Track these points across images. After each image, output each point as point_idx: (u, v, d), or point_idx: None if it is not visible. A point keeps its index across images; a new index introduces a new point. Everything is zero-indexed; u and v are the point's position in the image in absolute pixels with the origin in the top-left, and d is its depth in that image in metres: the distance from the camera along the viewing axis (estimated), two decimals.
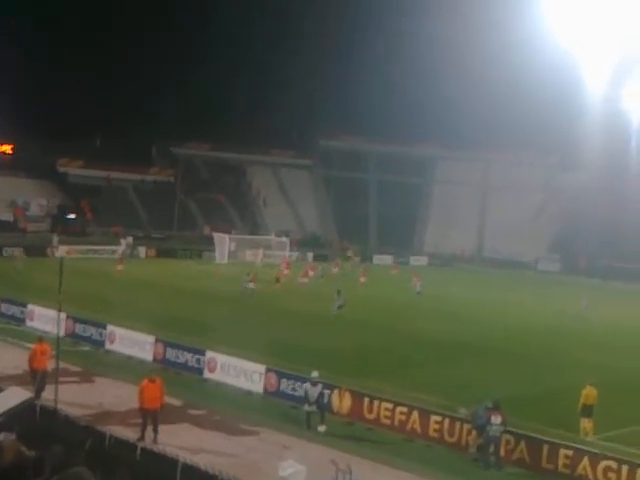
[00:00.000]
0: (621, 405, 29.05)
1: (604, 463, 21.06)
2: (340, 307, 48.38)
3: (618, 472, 20.70)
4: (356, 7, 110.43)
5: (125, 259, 68.98)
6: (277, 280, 60.70)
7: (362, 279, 66.42)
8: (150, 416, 22.84)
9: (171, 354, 31.60)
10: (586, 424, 25.30)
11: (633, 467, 20.63)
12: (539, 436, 22.88)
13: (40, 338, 27.69)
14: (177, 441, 22.04)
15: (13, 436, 10.29)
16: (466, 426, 23.46)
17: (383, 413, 25.17)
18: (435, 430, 24.08)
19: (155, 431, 22.57)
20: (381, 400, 25.47)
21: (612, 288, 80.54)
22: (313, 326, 43.87)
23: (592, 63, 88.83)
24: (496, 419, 22.42)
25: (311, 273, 67.33)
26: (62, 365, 24.90)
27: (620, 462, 20.94)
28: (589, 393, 25.69)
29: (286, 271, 66.82)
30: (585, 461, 21.30)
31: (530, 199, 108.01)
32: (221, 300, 51.73)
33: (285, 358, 31.84)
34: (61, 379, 23.77)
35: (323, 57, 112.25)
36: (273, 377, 28.10)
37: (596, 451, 21.91)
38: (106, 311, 39.91)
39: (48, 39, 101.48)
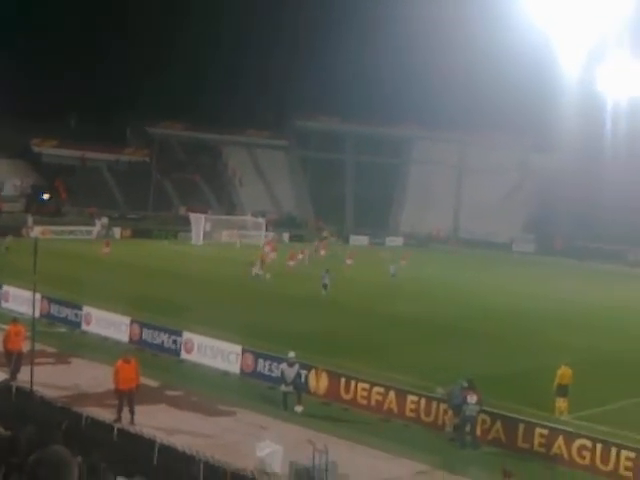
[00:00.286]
0: (596, 385, 29.30)
1: (579, 442, 21.25)
2: (325, 286, 48.59)
3: (592, 451, 20.91)
4: None
5: (111, 241, 68.04)
6: (262, 262, 59.88)
7: (349, 261, 66.44)
8: (126, 397, 22.79)
9: (147, 335, 31.53)
10: (561, 403, 25.50)
11: (607, 445, 20.83)
12: (515, 415, 23.04)
13: (14, 319, 27.54)
14: (154, 422, 22.01)
15: None
16: (442, 406, 23.59)
17: (360, 393, 25.25)
18: (412, 410, 24.19)
19: (132, 412, 22.53)
20: (358, 380, 25.54)
21: (588, 269, 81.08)
22: (291, 307, 43.89)
23: (567, 44, 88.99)
24: (472, 398, 22.54)
25: (300, 256, 66.55)
26: (38, 346, 24.78)
27: (594, 441, 21.14)
28: (564, 373, 25.89)
29: (272, 254, 65.95)
30: (560, 440, 21.49)
31: (505, 180, 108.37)
32: (199, 281, 51.63)
33: (262, 339, 31.86)
34: (37, 360, 23.66)
35: (299, 37, 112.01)
36: (250, 358, 28.11)
37: (571, 430, 22.12)
38: (82, 292, 39.71)
39: (21, 22, 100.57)
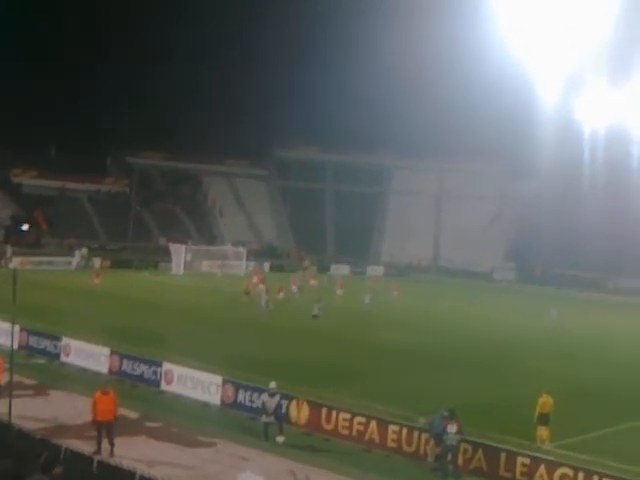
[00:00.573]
0: (577, 413, 29.32)
1: (560, 470, 21.20)
2: (315, 317, 48.70)
3: (574, 479, 20.85)
4: (312, 18, 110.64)
5: (102, 272, 67.33)
6: (246, 292, 59.00)
7: (339, 291, 66.37)
8: (104, 428, 22.57)
9: (127, 366, 31.28)
10: (542, 432, 25.47)
11: (589, 474, 20.78)
12: (496, 444, 22.98)
13: None
14: (134, 454, 21.79)
15: None
16: (424, 435, 23.50)
17: (341, 423, 25.12)
18: (393, 440, 24.08)
19: (111, 444, 22.32)
20: (339, 410, 25.42)
21: (566, 297, 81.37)
22: (274, 337, 43.76)
23: (545, 73, 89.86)
24: (452, 428, 22.48)
25: (294, 287, 65.95)
26: (16, 378, 24.60)
27: (576, 469, 21.09)
28: (545, 401, 25.88)
29: (261, 286, 65.14)
30: (542, 469, 21.43)
31: (484, 208, 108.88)
32: (180, 311, 51.44)
33: (243, 369, 31.71)
34: (15, 392, 23.46)
35: (278, 67, 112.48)
36: (230, 389, 27.94)
37: (553, 459, 22.07)
38: (61, 323, 39.44)
39: (2, 52, 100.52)
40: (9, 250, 76.59)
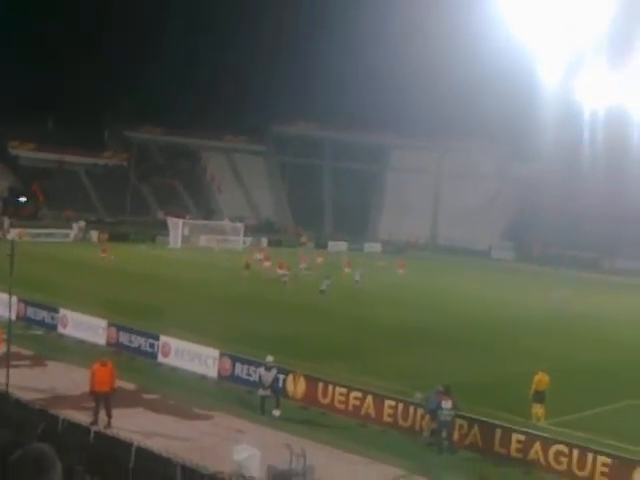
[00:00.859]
0: (572, 392, 29.40)
1: (555, 447, 21.32)
2: (322, 292, 48.86)
3: (569, 456, 20.97)
4: None
5: (108, 246, 66.00)
6: (246, 266, 58.38)
7: (347, 269, 65.95)
8: (102, 399, 22.67)
9: (124, 338, 31.39)
10: (538, 410, 25.58)
11: (583, 451, 20.91)
12: (492, 421, 23.09)
13: None
14: (131, 425, 21.89)
15: None
16: (420, 411, 23.60)
17: (337, 398, 25.23)
18: (389, 415, 24.19)
19: (108, 415, 22.41)
20: (335, 385, 25.52)
21: (565, 276, 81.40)
22: (271, 312, 43.82)
23: (545, 53, 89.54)
24: (447, 403, 22.59)
25: (303, 265, 64.79)
26: (14, 349, 24.64)
27: (571, 446, 21.21)
28: (541, 379, 25.97)
29: (267, 262, 64.75)
30: (537, 445, 21.55)
31: (483, 187, 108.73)
32: (178, 285, 51.50)
33: (240, 343, 31.81)
34: (13, 363, 23.53)
35: (278, 43, 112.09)
36: (227, 362, 28.03)
37: (548, 436, 22.19)
38: (59, 295, 39.48)
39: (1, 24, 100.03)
40: (6, 222, 76.56)
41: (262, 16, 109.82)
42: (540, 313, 51.44)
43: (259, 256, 66.87)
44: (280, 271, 55.89)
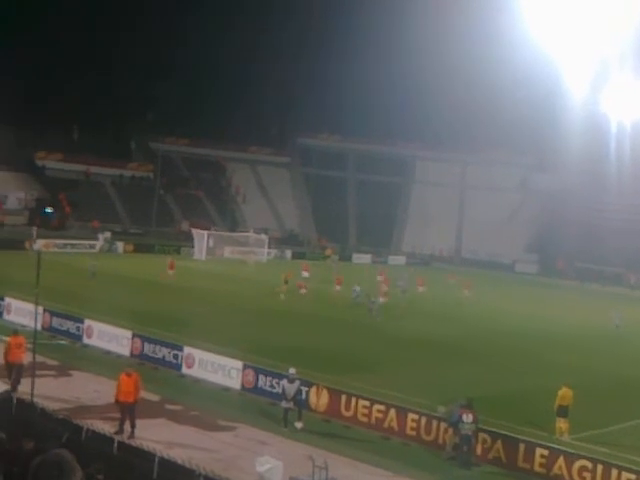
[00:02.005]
0: (596, 407, 29.23)
1: (579, 463, 21.20)
2: (370, 310, 48.69)
3: (593, 472, 20.85)
4: (337, 7, 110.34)
5: (175, 261, 63.28)
6: (285, 282, 55.58)
7: (379, 277, 66.19)
8: (126, 410, 22.80)
9: (149, 349, 31.51)
10: (562, 424, 25.45)
11: (608, 467, 20.78)
12: (515, 435, 22.99)
13: (15, 331, 27.50)
14: (154, 436, 21.97)
15: None
16: (443, 424, 23.55)
17: (360, 411, 25.21)
18: (412, 428, 24.14)
19: (132, 426, 22.52)
20: (358, 398, 25.51)
21: (589, 290, 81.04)
22: (297, 324, 43.86)
23: (571, 65, 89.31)
24: (467, 417, 22.52)
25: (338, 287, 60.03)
26: (39, 359, 24.83)
27: (595, 462, 21.09)
28: (565, 394, 25.84)
29: (306, 273, 64.16)
30: (561, 461, 21.44)
31: (507, 200, 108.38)
32: (203, 296, 51.65)
33: (264, 355, 31.84)
34: (38, 372, 23.70)
35: (303, 55, 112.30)
36: (251, 373, 28.08)
37: (572, 451, 22.06)
38: (84, 306, 39.69)
39: (25, 35, 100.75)
40: (34, 232, 76.92)
41: (286, 28, 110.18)
42: (562, 327, 51.15)
43: (306, 274, 64.20)
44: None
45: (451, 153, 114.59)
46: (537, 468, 21.79)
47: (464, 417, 22.50)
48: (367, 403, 25.20)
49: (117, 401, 23.01)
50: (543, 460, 21.74)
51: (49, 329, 34.62)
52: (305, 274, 64.16)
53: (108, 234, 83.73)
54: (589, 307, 65.48)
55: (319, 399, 26.08)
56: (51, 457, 4.10)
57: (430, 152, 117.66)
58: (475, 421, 22.61)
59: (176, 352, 30.60)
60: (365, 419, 25.06)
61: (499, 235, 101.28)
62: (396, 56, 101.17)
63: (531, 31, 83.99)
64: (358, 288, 53.16)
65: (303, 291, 56.45)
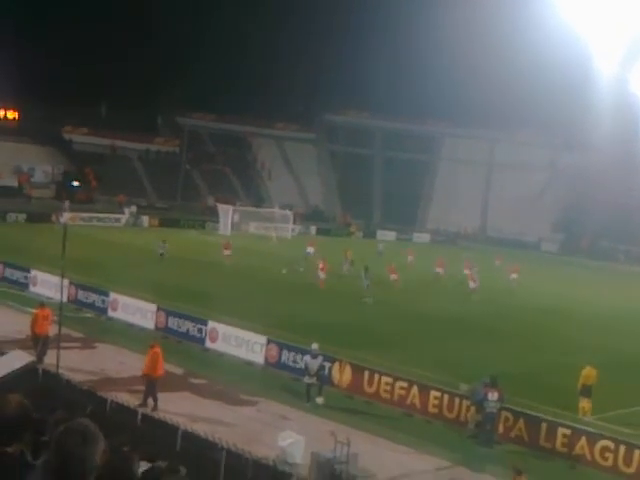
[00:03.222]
0: (620, 387, 29.08)
1: (601, 443, 21.15)
2: (368, 286, 47.64)
3: (615, 452, 20.79)
4: None
5: (231, 241, 61.93)
6: (350, 261, 54.39)
7: (410, 257, 65.15)
8: (150, 383, 23.02)
9: (173, 323, 31.71)
10: (585, 404, 25.37)
11: (630, 447, 20.72)
12: (538, 414, 22.95)
13: (42, 303, 27.75)
14: (177, 409, 22.15)
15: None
16: (465, 402, 23.55)
17: (383, 387, 25.26)
18: (434, 405, 24.18)
19: (154, 399, 22.68)
20: (381, 374, 25.55)
21: (615, 270, 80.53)
22: (319, 300, 43.90)
23: (601, 43, 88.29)
24: (493, 395, 22.48)
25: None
26: (64, 331, 25.04)
27: (617, 442, 21.03)
28: (589, 373, 25.75)
29: (311, 249, 63.33)
30: (583, 441, 21.39)
31: (534, 178, 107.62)
32: (226, 270, 51.83)
33: (288, 330, 31.94)
34: (63, 344, 23.93)
35: (330, 31, 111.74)
36: (274, 348, 28.19)
37: (594, 431, 22.01)
38: (111, 279, 39.94)
39: (53, 11, 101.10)
40: (66, 205, 77.04)
41: (315, 4, 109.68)
42: (588, 307, 50.92)
43: (310, 249, 62.79)
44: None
45: (480, 131, 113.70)
46: (559, 447, 21.77)
47: (489, 395, 22.46)
48: (390, 380, 25.23)
49: (143, 374, 23.26)
50: (565, 440, 21.71)
51: (75, 302, 34.92)
52: (310, 250, 62.92)
53: (134, 208, 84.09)
54: (615, 287, 65.03)
55: (342, 375, 26.15)
56: (74, 425, 4.14)
57: (458, 130, 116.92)
58: (501, 399, 22.57)
59: (200, 326, 30.77)
60: (387, 396, 25.11)
61: (525, 214, 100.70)
62: (425, 33, 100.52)
63: (561, 10, 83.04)
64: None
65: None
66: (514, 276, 59.23)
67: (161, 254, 53.84)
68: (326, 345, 27.12)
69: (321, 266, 50.09)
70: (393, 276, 52.29)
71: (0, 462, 4.27)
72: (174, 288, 40.96)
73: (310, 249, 63.21)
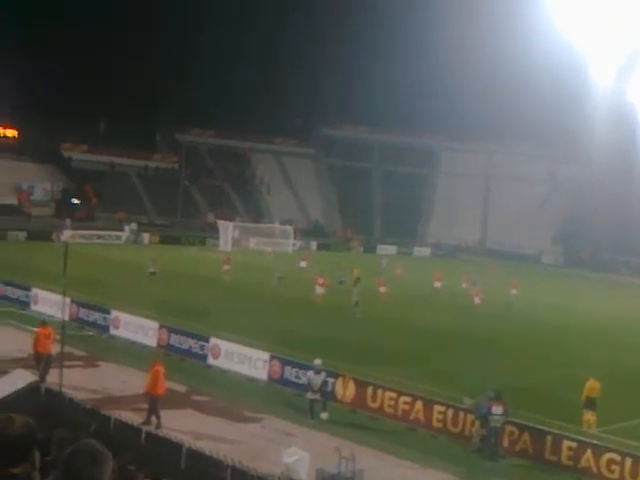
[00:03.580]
0: (624, 399, 29.01)
1: (607, 455, 21.07)
2: (357, 303, 46.95)
3: (621, 464, 20.71)
4: None
5: (231, 256, 62.83)
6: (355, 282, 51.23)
7: (398, 270, 66.06)
8: (150, 401, 22.96)
9: (175, 340, 31.65)
10: (589, 416, 25.30)
11: (636, 460, 20.64)
12: (543, 427, 22.88)
13: (44, 322, 27.72)
14: (181, 426, 22.08)
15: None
16: (469, 416, 23.48)
17: (387, 402, 25.20)
18: (438, 420, 24.10)
19: (157, 416, 22.60)
20: (385, 389, 25.49)
21: (615, 282, 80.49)
22: (321, 316, 43.82)
23: (598, 54, 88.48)
24: (497, 409, 22.41)
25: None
26: (67, 349, 24.98)
27: (623, 455, 20.95)
28: (592, 386, 25.69)
29: (304, 263, 64.03)
30: (588, 453, 21.31)
31: (533, 191, 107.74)
32: (227, 287, 51.78)
33: (289, 346, 31.86)
34: (66, 363, 23.89)
35: (327, 46, 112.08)
36: (277, 364, 28.13)
37: (599, 443, 21.92)
38: (111, 296, 39.89)
39: (50, 28, 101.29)
40: (68, 223, 76.74)
41: (310, 18, 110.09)
42: (590, 319, 50.86)
43: (303, 264, 64.08)
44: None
45: (477, 144, 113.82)
46: (564, 460, 21.68)
47: (494, 409, 22.39)
48: (394, 394, 25.17)
49: (145, 393, 23.21)
50: (570, 453, 21.62)
51: (76, 320, 34.85)
52: (303, 264, 64.01)
53: (134, 225, 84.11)
54: (616, 298, 64.99)
55: (345, 390, 26.08)
56: (82, 446, 4.11)
57: (456, 143, 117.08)
58: (505, 413, 22.50)
59: (202, 343, 30.72)
60: (391, 410, 25.04)
61: (525, 226, 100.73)
62: (421, 47, 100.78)
63: (557, 21, 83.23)
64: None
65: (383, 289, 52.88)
66: (514, 292, 58.59)
67: (152, 272, 52.16)
68: (327, 360, 27.05)
69: (320, 281, 49.90)
70: (382, 289, 52.28)
71: None
72: (174, 305, 40.86)
73: (303, 263, 63.91)
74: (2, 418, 4.40)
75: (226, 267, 57.80)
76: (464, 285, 59.89)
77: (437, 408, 24.24)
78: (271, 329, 35.82)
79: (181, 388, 26.27)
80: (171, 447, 17.32)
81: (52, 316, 31.43)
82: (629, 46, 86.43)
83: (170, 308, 39.00)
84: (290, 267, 60.11)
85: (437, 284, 60.27)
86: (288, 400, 26.21)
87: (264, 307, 44.42)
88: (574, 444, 21.71)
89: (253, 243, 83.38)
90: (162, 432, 19.94)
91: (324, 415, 24.48)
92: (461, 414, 23.77)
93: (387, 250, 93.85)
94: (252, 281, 55.68)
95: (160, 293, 45.16)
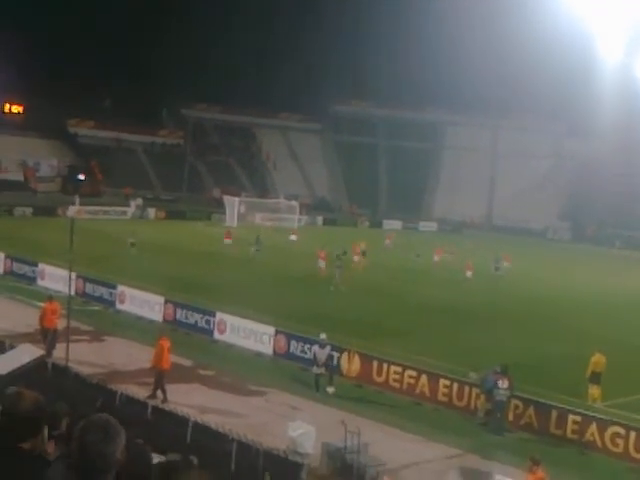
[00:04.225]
0: (629, 373, 29.03)
1: (612, 429, 21.11)
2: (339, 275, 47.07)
3: (626, 438, 20.75)
4: None
5: (230, 228, 64.45)
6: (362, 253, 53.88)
7: (387, 241, 67.39)
8: (155, 374, 23.05)
9: (181, 315, 31.70)
10: (594, 391, 25.34)
11: None
12: (548, 402, 22.92)
13: (50, 297, 27.78)
14: (187, 400, 22.15)
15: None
16: (475, 390, 23.53)
17: (392, 376, 25.25)
18: (444, 394, 24.16)
19: (163, 391, 22.67)
20: (390, 363, 25.53)
21: (621, 256, 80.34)
22: (325, 290, 43.85)
23: (605, 29, 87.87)
24: (503, 383, 22.46)
25: (387, 241, 68.15)
26: (73, 324, 25.04)
27: (628, 428, 20.98)
28: (598, 360, 25.71)
29: (294, 237, 66.25)
30: (593, 427, 21.35)
31: (539, 166, 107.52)
32: (235, 262, 51.82)
33: (295, 320, 31.91)
34: (72, 338, 23.94)
35: (333, 22, 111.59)
36: (282, 339, 28.18)
37: (604, 417, 21.97)
38: (117, 271, 39.96)
39: (58, 4, 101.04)
40: (77, 200, 76.72)
41: None
42: (596, 294, 50.80)
43: (293, 237, 68.09)
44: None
45: (482, 118, 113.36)
46: (569, 434, 21.73)
47: (499, 383, 22.44)
48: (399, 369, 25.22)
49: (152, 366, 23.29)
50: (575, 426, 21.67)
51: (83, 295, 34.94)
52: (293, 237, 66.77)
53: (140, 201, 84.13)
54: (622, 273, 64.91)
55: (351, 365, 26.14)
56: (95, 420, 4.11)
57: (461, 117, 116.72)
58: (511, 387, 22.55)
59: (208, 318, 30.76)
60: (397, 384, 25.10)
61: (531, 201, 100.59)
62: (427, 22, 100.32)
63: None
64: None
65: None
66: (506, 264, 59.38)
67: (132, 243, 52.25)
68: (333, 334, 27.11)
69: (322, 255, 50.38)
70: (356, 257, 53.87)
71: (16, 458, 4.25)
72: (178, 279, 40.90)
73: (293, 237, 65.09)
74: (12, 394, 4.42)
75: (227, 241, 58.61)
76: (435, 258, 61.48)
77: (442, 382, 24.29)
78: (274, 303, 35.88)
79: (187, 362, 26.35)
80: (177, 421, 17.38)
81: (59, 291, 31.52)
82: (636, 21, 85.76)
83: (175, 282, 39.02)
84: (282, 240, 61.18)
85: (436, 258, 61.38)
86: (294, 374, 26.28)
87: (265, 281, 44.51)
88: (579, 418, 21.76)
89: (259, 218, 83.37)
90: (168, 406, 20.03)
91: (331, 389, 24.55)
92: (466, 388, 23.82)
93: (393, 225, 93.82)
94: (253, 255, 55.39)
95: (165, 268, 45.12)
